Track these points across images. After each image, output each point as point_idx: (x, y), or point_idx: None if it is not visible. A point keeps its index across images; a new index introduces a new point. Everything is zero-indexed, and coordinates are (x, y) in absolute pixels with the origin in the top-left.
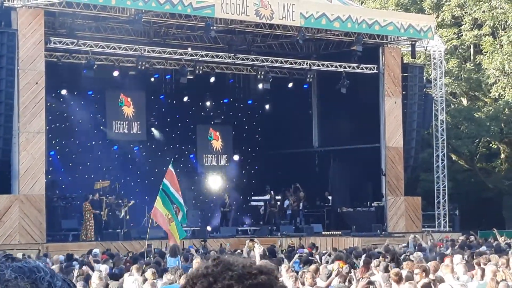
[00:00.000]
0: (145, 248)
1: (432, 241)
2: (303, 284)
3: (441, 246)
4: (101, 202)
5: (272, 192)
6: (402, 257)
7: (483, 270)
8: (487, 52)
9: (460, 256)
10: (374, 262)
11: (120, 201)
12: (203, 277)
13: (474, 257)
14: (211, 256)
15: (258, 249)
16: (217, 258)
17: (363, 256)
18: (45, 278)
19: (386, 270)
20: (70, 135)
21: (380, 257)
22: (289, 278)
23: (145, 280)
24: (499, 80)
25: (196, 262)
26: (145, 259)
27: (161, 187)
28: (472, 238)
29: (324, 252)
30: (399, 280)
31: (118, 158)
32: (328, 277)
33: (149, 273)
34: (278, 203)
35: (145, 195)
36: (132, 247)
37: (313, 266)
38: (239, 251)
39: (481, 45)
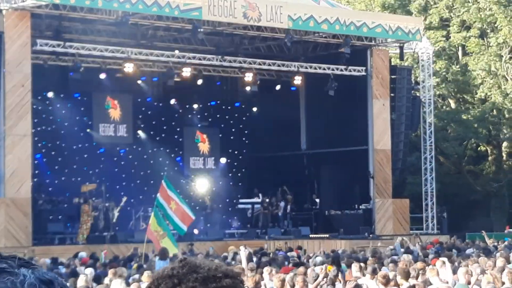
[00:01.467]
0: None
1: (420, 243)
2: (292, 287)
3: (431, 248)
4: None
5: (260, 195)
6: (389, 259)
7: (468, 272)
8: (472, 53)
9: (446, 259)
10: (360, 265)
11: (107, 204)
12: (168, 278)
13: (462, 260)
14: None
15: (243, 252)
16: (184, 260)
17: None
18: None
19: (374, 272)
20: (56, 138)
21: (369, 259)
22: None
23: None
24: (485, 81)
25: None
26: (132, 262)
27: (155, 204)
28: (454, 240)
29: (311, 254)
30: (386, 283)
31: (104, 161)
32: (315, 280)
33: (145, 276)
34: (271, 207)
35: (131, 198)
36: (119, 250)
37: (301, 269)
38: (225, 254)
39: (467, 46)
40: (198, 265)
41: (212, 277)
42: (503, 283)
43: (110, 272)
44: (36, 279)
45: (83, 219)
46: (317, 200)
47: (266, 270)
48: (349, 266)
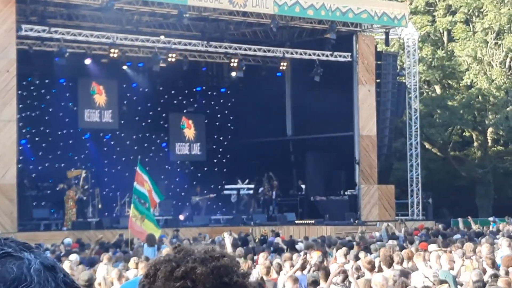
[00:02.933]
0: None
1: (405, 229)
2: (277, 272)
3: (417, 235)
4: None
5: (239, 181)
6: (376, 245)
7: (451, 259)
8: (458, 39)
9: (433, 245)
10: (344, 251)
11: (95, 190)
12: (166, 262)
13: (447, 245)
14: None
15: (228, 238)
16: (178, 246)
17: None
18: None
19: (357, 258)
20: (41, 123)
21: (354, 245)
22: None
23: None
24: (471, 67)
25: (166, 250)
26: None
27: (133, 193)
28: (440, 226)
29: (299, 240)
30: (371, 268)
31: (90, 146)
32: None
33: (132, 262)
34: (251, 191)
35: (117, 184)
36: (105, 236)
37: (287, 254)
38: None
39: (453, 32)
40: (193, 249)
41: (210, 257)
42: (485, 270)
43: (105, 257)
44: (40, 264)
45: (68, 205)
46: (303, 186)
47: (262, 256)
48: (334, 252)
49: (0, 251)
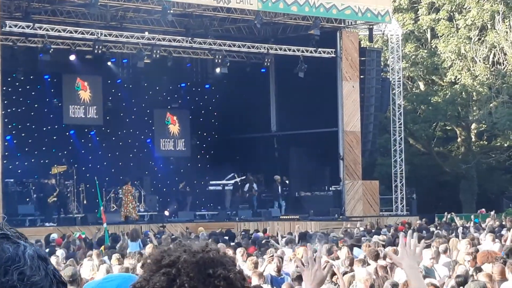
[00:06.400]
0: (95, 233)
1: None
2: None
3: (403, 230)
4: (55, 186)
5: (235, 176)
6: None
7: (437, 253)
8: (442, 35)
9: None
10: (328, 246)
11: (79, 186)
12: (158, 253)
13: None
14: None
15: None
16: (179, 242)
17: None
18: (19, 268)
19: (329, 252)
20: (26, 119)
21: (339, 241)
22: (246, 263)
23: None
24: (455, 63)
25: (149, 246)
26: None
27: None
28: (422, 221)
29: (284, 236)
30: (360, 263)
31: (74, 142)
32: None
33: (114, 258)
34: (231, 187)
35: (101, 180)
36: (89, 231)
37: (272, 250)
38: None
39: (437, 28)
40: (190, 244)
41: (200, 250)
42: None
43: (94, 253)
44: (34, 252)
45: (126, 199)
46: (287, 182)
47: (239, 251)
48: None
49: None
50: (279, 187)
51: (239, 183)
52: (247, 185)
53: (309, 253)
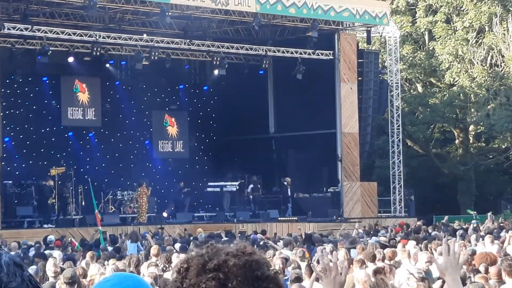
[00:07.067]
0: (92, 234)
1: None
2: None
3: (399, 231)
4: (53, 188)
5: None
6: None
7: (428, 260)
8: (439, 37)
9: (414, 242)
10: (330, 248)
11: (78, 188)
12: (199, 257)
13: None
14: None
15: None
16: (211, 245)
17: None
18: None
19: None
20: (24, 121)
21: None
22: None
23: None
24: (452, 65)
25: (154, 248)
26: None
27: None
28: (419, 223)
29: (282, 237)
30: (358, 264)
31: (73, 144)
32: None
33: (111, 260)
34: (234, 188)
35: (100, 181)
36: (88, 233)
37: (271, 251)
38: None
39: (434, 31)
40: (224, 246)
41: (242, 253)
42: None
43: (88, 255)
44: (10, 259)
45: (142, 200)
46: (286, 183)
47: None
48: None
49: None
50: (288, 189)
51: (238, 187)
52: (251, 186)
53: (325, 260)
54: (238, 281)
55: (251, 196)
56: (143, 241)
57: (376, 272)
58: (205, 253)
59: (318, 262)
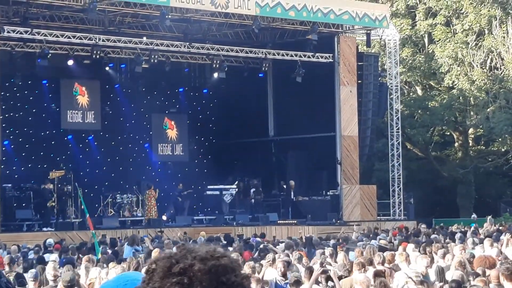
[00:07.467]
0: (91, 238)
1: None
2: (258, 273)
3: (396, 235)
4: (52, 191)
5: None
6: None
7: (432, 258)
8: (439, 40)
9: (413, 245)
10: (329, 251)
11: (76, 191)
12: (166, 258)
13: (427, 245)
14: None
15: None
16: (182, 245)
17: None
18: None
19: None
20: (24, 124)
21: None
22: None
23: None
24: (452, 68)
25: (156, 251)
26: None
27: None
28: (423, 226)
29: (282, 241)
30: (361, 267)
31: (72, 147)
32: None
33: (112, 264)
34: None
35: (99, 184)
36: (87, 236)
37: (271, 255)
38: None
39: (434, 34)
40: (195, 248)
41: (210, 256)
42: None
43: (84, 259)
44: None
45: (150, 203)
46: (285, 187)
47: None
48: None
49: None
50: (292, 192)
51: (235, 190)
52: (253, 190)
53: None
54: (203, 286)
55: (252, 200)
56: (142, 245)
57: (377, 275)
58: (174, 255)
59: (322, 264)
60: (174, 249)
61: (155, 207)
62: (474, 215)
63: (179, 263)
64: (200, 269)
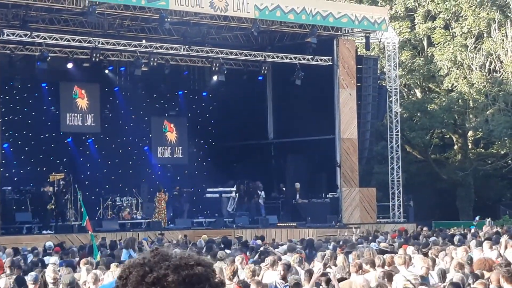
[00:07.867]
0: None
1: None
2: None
3: (395, 237)
4: (52, 194)
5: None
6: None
7: (433, 261)
8: (438, 43)
9: (413, 248)
10: (328, 253)
11: (76, 194)
12: (140, 266)
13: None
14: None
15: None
16: (155, 249)
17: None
18: None
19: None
20: (24, 127)
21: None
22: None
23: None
24: (451, 71)
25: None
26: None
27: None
28: (425, 228)
29: (281, 243)
30: (357, 270)
31: (72, 150)
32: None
33: (113, 266)
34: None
35: (99, 187)
36: (87, 239)
37: (271, 257)
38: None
39: (433, 37)
40: (169, 254)
41: (184, 265)
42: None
43: (82, 262)
44: None
45: (160, 206)
46: (284, 189)
47: (237, 259)
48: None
49: None
50: (297, 195)
51: (236, 192)
52: (262, 192)
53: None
54: None
55: (261, 201)
56: (142, 248)
57: (386, 276)
58: (147, 262)
59: (325, 265)
60: (147, 253)
61: (165, 210)
62: (477, 218)
63: (153, 272)
64: (173, 280)
